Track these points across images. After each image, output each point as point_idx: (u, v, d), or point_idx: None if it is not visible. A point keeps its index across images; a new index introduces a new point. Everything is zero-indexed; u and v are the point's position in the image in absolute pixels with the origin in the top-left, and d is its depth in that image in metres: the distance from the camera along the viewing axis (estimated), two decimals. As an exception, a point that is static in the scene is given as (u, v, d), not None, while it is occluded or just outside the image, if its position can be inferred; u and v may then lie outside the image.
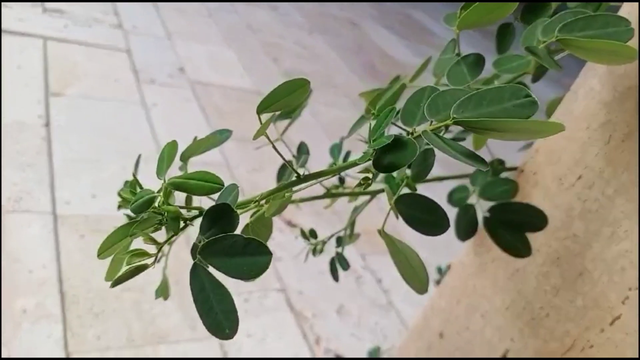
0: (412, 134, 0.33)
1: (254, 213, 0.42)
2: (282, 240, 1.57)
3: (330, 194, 0.49)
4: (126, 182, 0.44)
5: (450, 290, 0.82)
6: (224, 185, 0.33)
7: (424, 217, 0.40)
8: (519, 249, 0.56)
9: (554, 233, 0.64)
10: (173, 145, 0.38)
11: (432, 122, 0.32)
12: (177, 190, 0.33)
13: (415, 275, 0.42)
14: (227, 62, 2.57)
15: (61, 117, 1.67)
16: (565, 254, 0.62)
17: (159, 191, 0.34)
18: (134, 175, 0.43)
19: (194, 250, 0.31)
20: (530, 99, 0.29)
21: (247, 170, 1.83)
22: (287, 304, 1.35)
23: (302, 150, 0.53)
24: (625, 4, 0.57)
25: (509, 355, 0.69)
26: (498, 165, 0.71)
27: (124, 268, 0.33)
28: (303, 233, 0.57)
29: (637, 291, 0.55)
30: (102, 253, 0.33)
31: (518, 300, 0.69)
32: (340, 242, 0.58)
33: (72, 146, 1.57)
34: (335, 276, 0.58)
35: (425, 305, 0.88)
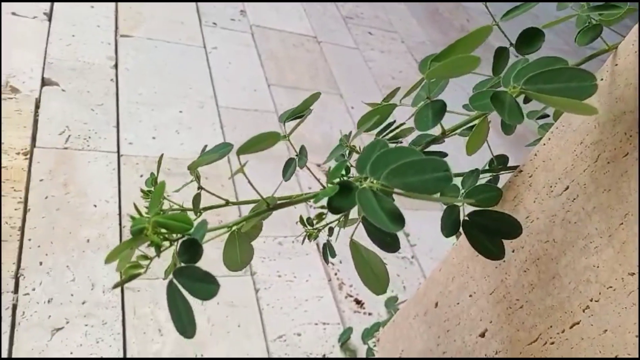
0: (361, 181, 0.37)
1: (239, 222, 0.48)
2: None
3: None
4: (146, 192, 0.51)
5: (449, 267, 0.86)
6: (193, 226, 0.39)
7: (382, 236, 0.44)
8: (493, 252, 0.59)
9: (538, 235, 0.66)
10: (162, 185, 0.43)
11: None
12: (160, 227, 0.39)
13: (377, 280, 0.46)
14: (289, 5, 2.55)
15: (128, 59, 1.76)
16: (544, 256, 0.65)
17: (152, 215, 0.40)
18: (154, 180, 0.50)
19: (172, 271, 0.38)
20: (447, 174, 0.32)
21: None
22: (316, 249, 1.44)
23: (303, 152, 0.58)
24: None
25: (487, 335, 0.74)
26: (497, 165, 0.72)
27: (127, 270, 0.40)
28: (301, 220, 0.63)
29: (597, 303, 0.57)
30: (109, 260, 0.40)
31: (500, 289, 0.73)
32: (331, 232, 0.63)
33: (136, 88, 1.67)
34: (326, 259, 0.64)
35: (427, 276, 0.93)
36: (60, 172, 1.32)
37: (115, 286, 0.39)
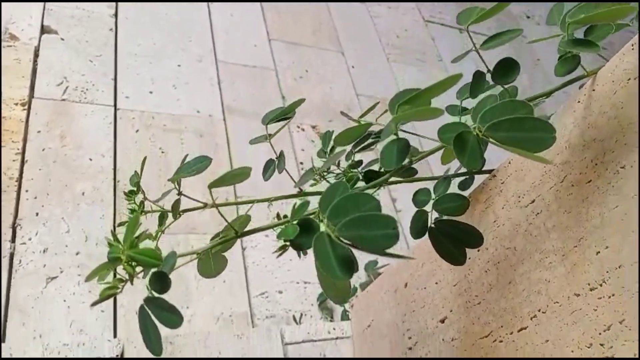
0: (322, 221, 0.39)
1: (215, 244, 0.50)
2: (308, 150, 1.65)
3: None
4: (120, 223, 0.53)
5: (421, 252, 0.89)
6: (161, 262, 0.41)
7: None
8: (456, 257, 0.62)
9: (501, 240, 0.69)
10: (136, 217, 0.44)
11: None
12: (132, 261, 0.41)
13: (337, 290, 0.49)
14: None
15: (129, 8, 1.72)
16: (504, 261, 0.68)
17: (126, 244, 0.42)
18: (136, 184, 0.51)
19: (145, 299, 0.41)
20: (395, 232, 0.34)
21: (294, 77, 1.86)
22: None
23: (281, 158, 0.59)
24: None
25: (446, 322, 0.78)
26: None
27: (104, 291, 0.42)
28: (278, 216, 0.65)
29: (544, 314, 0.61)
30: (89, 279, 0.42)
31: (463, 282, 0.76)
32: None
33: (136, 39, 1.65)
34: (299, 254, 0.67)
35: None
36: (58, 124, 1.32)
37: (94, 304, 0.41)
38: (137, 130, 1.42)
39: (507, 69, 0.51)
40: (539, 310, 0.61)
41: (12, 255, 1.08)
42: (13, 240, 1.10)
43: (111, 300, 1.10)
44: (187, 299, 1.18)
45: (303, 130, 1.72)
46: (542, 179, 0.63)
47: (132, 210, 0.56)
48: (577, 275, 0.57)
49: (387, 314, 0.96)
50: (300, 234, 0.38)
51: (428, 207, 0.65)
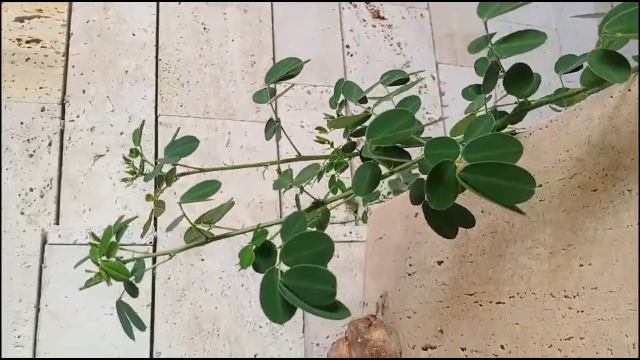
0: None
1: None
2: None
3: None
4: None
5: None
6: (128, 275, 0.45)
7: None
8: (447, 233, 0.62)
9: (503, 212, 0.68)
10: (109, 230, 0.47)
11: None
12: (106, 273, 0.44)
13: (276, 310, 0.49)
14: None
15: None
16: (501, 233, 0.68)
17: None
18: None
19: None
20: (332, 290, 0.35)
21: None
22: (343, 103, 1.45)
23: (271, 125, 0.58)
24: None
25: (442, 266, 0.82)
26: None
27: (89, 281, 0.48)
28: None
29: (521, 299, 0.62)
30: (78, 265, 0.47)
31: (462, 237, 0.77)
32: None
33: None
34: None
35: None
36: (101, -7, 1.30)
37: (81, 289, 0.47)
38: (179, 3, 1.37)
39: (520, 77, 0.45)
40: (517, 294, 0.63)
41: (62, 132, 1.17)
42: (62, 117, 1.18)
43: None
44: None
45: (355, 6, 1.60)
46: (554, 167, 0.60)
47: (132, 172, 0.59)
48: (557, 278, 0.57)
49: (396, 236, 1.01)
50: (258, 256, 0.41)
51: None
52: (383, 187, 1.35)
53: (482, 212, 0.72)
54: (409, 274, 0.92)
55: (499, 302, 0.67)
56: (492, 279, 0.69)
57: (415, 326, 0.88)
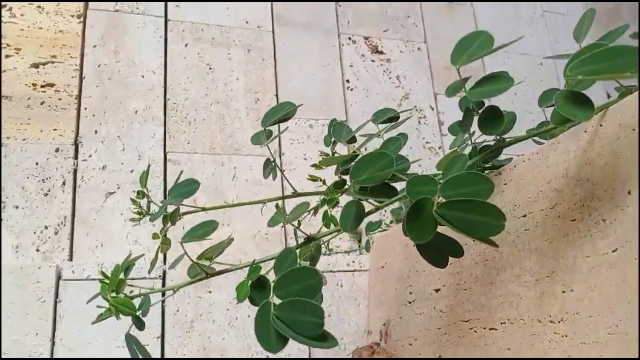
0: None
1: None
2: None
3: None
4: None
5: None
6: (135, 310, 0.48)
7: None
8: (438, 263, 0.65)
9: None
10: (117, 269, 0.51)
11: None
12: (114, 308, 0.48)
13: (269, 341, 0.51)
14: None
15: None
16: (491, 261, 0.71)
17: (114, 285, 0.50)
18: (141, 193, 0.58)
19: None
20: (320, 322, 0.39)
21: None
22: (344, 135, 1.49)
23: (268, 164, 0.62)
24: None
25: (439, 294, 0.85)
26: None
27: (100, 315, 0.51)
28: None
29: (511, 325, 0.65)
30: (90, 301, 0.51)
31: (457, 264, 0.80)
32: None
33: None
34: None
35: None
36: (112, 37, 1.38)
37: (93, 322, 0.51)
38: (186, 45, 1.44)
39: (492, 118, 0.49)
40: (508, 320, 0.66)
41: (75, 171, 1.22)
42: (76, 157, 1.24)
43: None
44: (228, 217, 1.30)
45: (354, 42, 1.67)
46: (537, 198, 0.64)
47: (139, 212, 0.63)
48: (543, 304, 0.60)
49: (397, 264, 1.04)
50: (254, 290, 0.44)
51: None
52: (386, 215, 1.38)
53: (474, 241, 0.75)
54: (410, 302, 0.95)
55: (491, 329, 0.69)
56: (484, 305, 0.71)
57: (417, 353, 0.90)
